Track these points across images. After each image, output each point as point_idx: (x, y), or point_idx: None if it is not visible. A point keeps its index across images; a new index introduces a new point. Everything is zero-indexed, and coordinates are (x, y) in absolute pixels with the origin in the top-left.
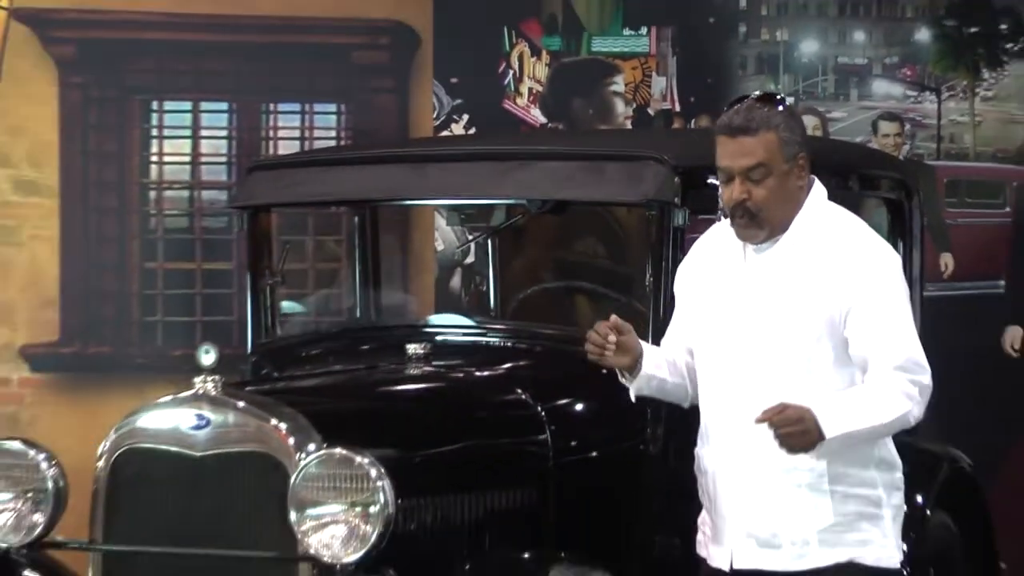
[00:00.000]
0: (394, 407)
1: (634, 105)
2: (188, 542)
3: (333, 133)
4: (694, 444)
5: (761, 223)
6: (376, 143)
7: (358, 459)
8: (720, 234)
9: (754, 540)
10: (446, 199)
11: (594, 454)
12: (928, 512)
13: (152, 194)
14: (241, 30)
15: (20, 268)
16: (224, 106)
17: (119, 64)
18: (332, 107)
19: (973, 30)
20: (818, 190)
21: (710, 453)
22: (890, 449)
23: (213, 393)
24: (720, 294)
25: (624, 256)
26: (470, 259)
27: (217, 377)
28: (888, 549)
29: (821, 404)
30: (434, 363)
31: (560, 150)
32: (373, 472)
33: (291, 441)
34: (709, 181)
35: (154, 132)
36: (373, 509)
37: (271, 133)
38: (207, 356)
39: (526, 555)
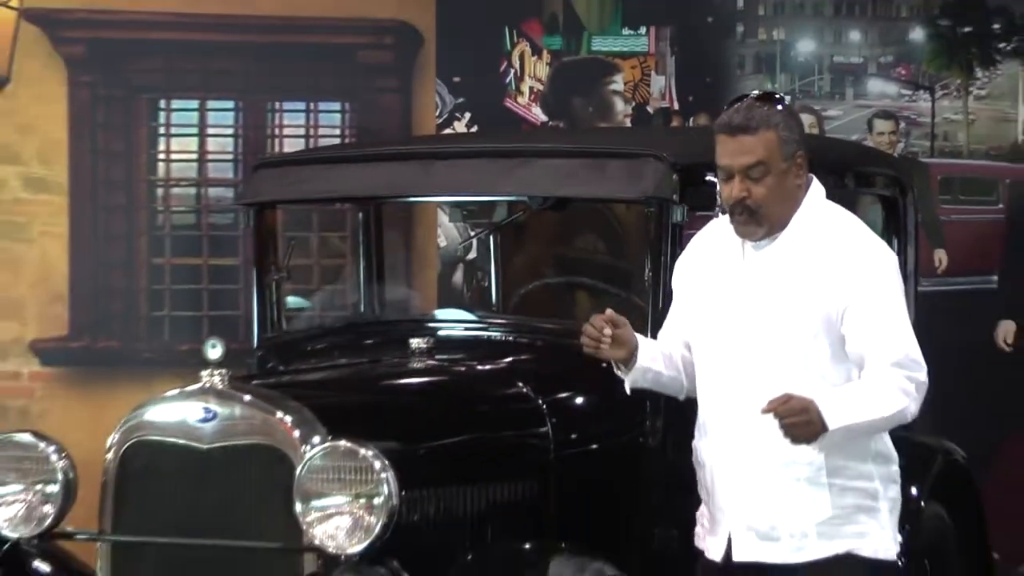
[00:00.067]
0: (398, 400)
1: (633, 104)
2: (195, 533)
3: (338, 131)
4: (692, 437)
5: (760, 220)
6: (380, 141)
7: (362, 451)
8: (718, 230)
9: (753, 533)
10: (449, 196)
11: (594, 447)
12: (923, 504)
13: (159, 191)
14: (247, 30)
15: (30, 264)
16: (230, 105)
17: (127, 63)
18: (337, 106)
19: (967, 30)
20: (816, 188)
21: (708, 446)
22: (886, 443)
23: (220, 387)
24: (719, 290)
25: (623, 252)
26: (472, 255)
27: (224, 371)
28: (885, 541)
29: (823, 397)
30: (437, 357)
31: (561, 148)
32: (377, 464)
33: (296, 434)
34: (707, 178)
35: (161, 130)
36: (377, 501)
37: (277, 131)
38: (214, 350)
39: (527, 546)
